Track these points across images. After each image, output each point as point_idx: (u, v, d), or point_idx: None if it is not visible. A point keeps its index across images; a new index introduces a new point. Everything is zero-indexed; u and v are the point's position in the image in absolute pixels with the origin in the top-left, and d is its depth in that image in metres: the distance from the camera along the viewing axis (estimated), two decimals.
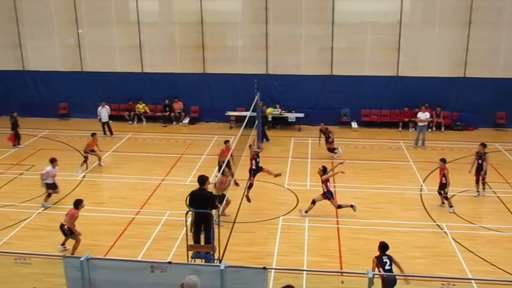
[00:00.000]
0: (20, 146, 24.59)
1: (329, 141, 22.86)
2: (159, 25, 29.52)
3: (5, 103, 30.04)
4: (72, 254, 14.46)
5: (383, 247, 12.36)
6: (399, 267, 12.21)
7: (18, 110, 25.21)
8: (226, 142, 19.51)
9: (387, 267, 11.98)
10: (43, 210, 17.81)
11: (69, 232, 14.97)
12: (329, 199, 16.86)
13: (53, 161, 18.38)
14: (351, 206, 17.03)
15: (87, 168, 21.67)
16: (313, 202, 16.99)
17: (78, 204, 15.08)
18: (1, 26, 29.67)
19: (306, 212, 17.07)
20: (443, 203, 17.78)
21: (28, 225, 16.78)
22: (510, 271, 13.90)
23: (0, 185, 19.98)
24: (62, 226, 15.01)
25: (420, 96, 26.72)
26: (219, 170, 18.23)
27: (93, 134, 21.87)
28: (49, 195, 18.15)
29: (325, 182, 16.73)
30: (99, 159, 22.02)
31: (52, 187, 18.29)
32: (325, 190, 16.81)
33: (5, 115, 29.32)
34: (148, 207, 18.16)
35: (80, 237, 15.03)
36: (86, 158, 21.48)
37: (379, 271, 11.94)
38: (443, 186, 17.49)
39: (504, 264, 14.26)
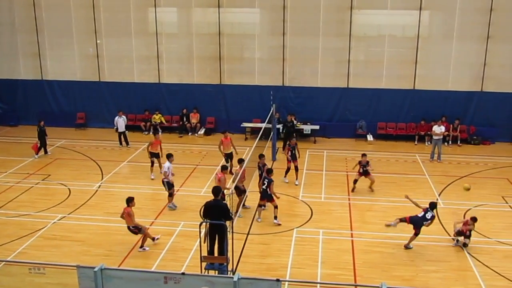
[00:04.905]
0: (49, 154, 24.88)
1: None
2: (178, 36, 29.71)
3: (24, 112, 30.53)
4: (142, 245, 15.76)
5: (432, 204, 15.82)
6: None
7: (36, 119, 25.34)
8: None
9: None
10: (170, 210, 18.63)
11: (137, 230, 15.69)
12: None
13: (169, 156, 18.93)
14: None
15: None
16: None
17: (129, 201, 15.63)
18: (22, 36, 30.03)
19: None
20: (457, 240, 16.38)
21: (44, 234, 16.86)
22: None
23: (17, 194, 20.10)
24: (128, 228, 15.74)
25: (437, 110, 26.65)
26: None
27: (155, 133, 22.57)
28: (171, 195, 18.67)
29: None
30: (159, 162, 21.76)
31: (171, 186, 18.67)
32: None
33: (24, 124, 29.74)
34: (162, 217, 18.20)
35: (147, 230, 15.88)
36: (152, 162, 21.70)
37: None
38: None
39: None
